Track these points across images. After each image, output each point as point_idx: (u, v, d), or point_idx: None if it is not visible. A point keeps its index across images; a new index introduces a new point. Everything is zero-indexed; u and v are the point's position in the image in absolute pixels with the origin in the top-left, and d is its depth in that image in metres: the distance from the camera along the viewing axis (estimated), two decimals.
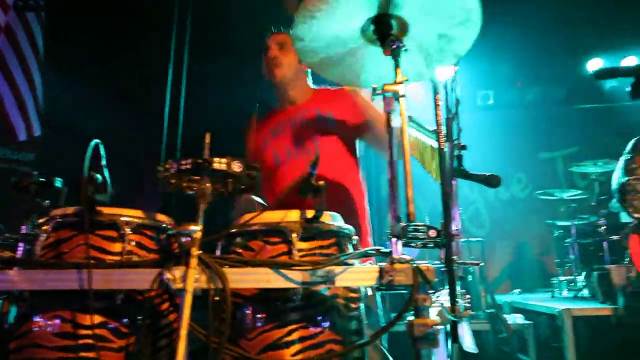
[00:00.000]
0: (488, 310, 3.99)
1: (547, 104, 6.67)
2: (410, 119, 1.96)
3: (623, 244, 2.98)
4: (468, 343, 1.99)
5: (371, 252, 1.18)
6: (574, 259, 4.42)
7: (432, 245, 1.63)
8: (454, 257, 1.65)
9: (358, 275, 1.10)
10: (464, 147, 1.87)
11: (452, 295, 1.41)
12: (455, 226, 2.04)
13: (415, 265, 1.09)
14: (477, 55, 5.72)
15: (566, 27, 5.66)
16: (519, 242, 6.33)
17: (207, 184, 1.16)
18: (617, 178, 2.34)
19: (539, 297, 4.61)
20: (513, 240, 6.35)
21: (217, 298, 1.12)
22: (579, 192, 4.71)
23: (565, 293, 4.45)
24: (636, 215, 2.13)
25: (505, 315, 4.02)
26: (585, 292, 4.14)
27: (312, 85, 2.11)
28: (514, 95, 6.93)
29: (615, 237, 3.85)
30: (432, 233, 1.52)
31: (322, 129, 1.95)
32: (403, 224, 1.51)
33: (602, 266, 3.78)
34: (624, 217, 2.55)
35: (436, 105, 1.84)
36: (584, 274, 4.20)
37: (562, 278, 4.50)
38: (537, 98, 6.74)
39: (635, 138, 2.32)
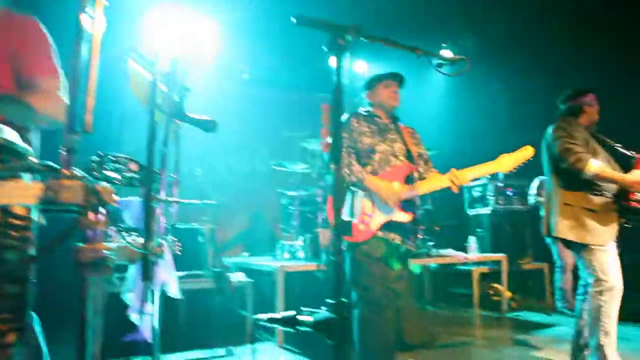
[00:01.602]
0: (214, 270, 4.11)
1: (294, 88, 7.23)
2: (133, 50, 1.80)
3: None
4: (173, 289, 1.96)
5: (35, 166, 1.00)
6: (296, 225, 4.93)
7: (138, 183, 1.51)
8: (159, 196, 1.58)
9: (12, 191, 0.91)
10: (187, 89, 1.82)
11: (148, 230, 1.34)
12: (170, 173, 1.96)
13: (88, 183, 0.97)
14: (239, 29, 5.74)
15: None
16: (255, 209, 6.76)
17: None
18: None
19: (264, 259, 5.00)
20: (251, 208, 6.75)
21: None
22: (306, 166, 5.27)
23: (286, 255, 4.92)
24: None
25: (230, 275, 4.23)
26: (302, 254, 4.68)
27: None
28: (268, 75, 7.32)
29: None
30: (133, 167, 1.41)
31: None
32: (100, 153, 1.36)
33: (314, 230, 4.34)
34: None
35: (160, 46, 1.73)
36: (302, 237, 4.71)
37: (285, 242, 4.96)
38: (287, 81, 7.25)
39: (350, 113, 2.65)
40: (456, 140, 7.50)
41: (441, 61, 1.95)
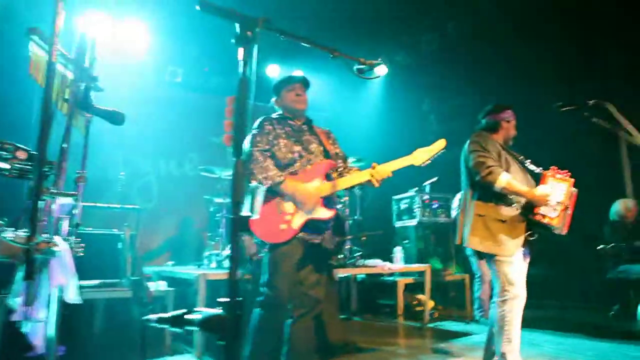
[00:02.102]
0: (132, 278, 3.91)
1: (226, 93, 7.15)
2: (35, 32, 1.68)
3: None
4: (71, 294, 1.82)
5: None
6: (223, 233, 4.81)
7: (30, 175, 1.41)
8: (51, 189, 1.47)
9: None
10: (94, 79, 1.72)
11: (32, 224, 1.24)
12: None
13: None
14: (171, 30, 5.60)
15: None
16: (183, 216, 6.55)
17: None
18: (245, 149, 2.61)
19: (189, 268, 4.82)
20: (179, 215, 6.54)
21: None
22: None
23: (213, 265, 4.77)
24: (254, 181, 2.41)
25: (150, 283, 4.04)
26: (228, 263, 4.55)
27: None
28: (201, 79, 7.20)
29: None
30: (21, 155, 1.31)
31: None
32: None
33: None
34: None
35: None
36: (229, 246, 4.59)
37: (212, 250, 4.82)
38: (219, 87, 7.16)
39: (263, 117, 2.63)
40: (388, 154, 7.68)
41: (360, 65, 1.99)
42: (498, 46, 6.60)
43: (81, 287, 1.90)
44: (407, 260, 5.51)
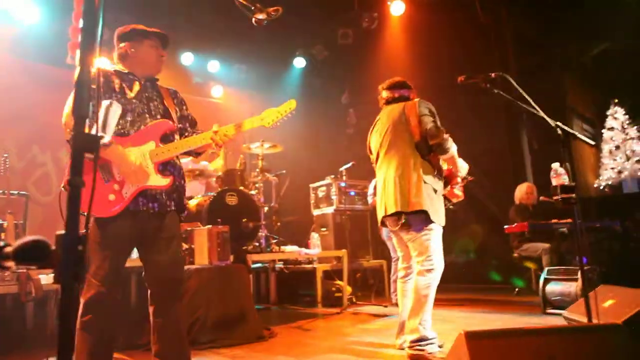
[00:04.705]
0: (18, 271, 3.48)
1: None
2: None
3: None
4: None
5: None
6: None
7: None
8: None
9: None
10: None
11: None
12: None
13: None
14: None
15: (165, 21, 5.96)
16: None
17: None
18: (65, 110, 2.28)
19: None
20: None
21: None
22: None
23: None
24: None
25: (40, 276, 3.63)
26: None
27: None
28: None
29: None
30: None
31: None
32: None
33: None
34: None
35: None
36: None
37: None
38: None
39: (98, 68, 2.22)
40: (308, 146, 7.64)
41: (260, 16, 1.89)
42: (413, 40, 6.77)
43: None
44: (326, 247, 5.45)
